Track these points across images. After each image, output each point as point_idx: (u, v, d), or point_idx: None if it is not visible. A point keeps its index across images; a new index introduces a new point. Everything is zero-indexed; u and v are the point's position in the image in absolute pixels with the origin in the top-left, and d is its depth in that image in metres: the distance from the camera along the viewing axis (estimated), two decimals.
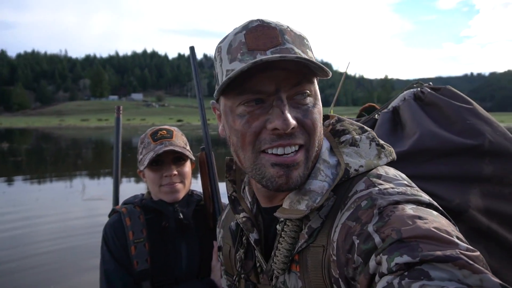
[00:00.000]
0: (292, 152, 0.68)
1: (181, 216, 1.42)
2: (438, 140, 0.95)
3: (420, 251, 0.50)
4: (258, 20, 0.70)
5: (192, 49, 1.54)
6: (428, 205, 0.62)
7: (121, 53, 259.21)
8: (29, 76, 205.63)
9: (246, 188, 0.88)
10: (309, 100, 0.68)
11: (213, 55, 0.77)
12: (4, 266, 4.41)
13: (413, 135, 0.99)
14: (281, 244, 0.72)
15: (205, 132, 1.55)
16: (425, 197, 0.63)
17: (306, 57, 0.64)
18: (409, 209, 0.58)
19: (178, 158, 1.44)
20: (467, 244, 0.53)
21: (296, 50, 0.66)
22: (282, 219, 0.73)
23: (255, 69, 0.63)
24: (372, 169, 0.69)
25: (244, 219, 0.81)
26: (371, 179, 0.66)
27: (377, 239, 0.56)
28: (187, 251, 1.43)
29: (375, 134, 0.76)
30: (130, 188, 9.40)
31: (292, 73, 0.65)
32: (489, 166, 0.93)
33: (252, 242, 0.79)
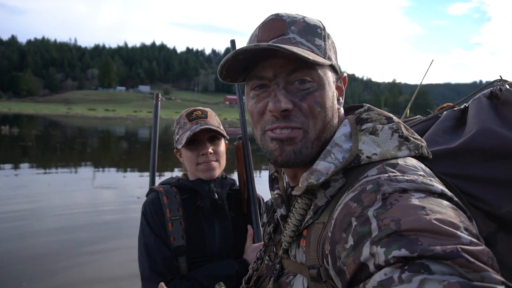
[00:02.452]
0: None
1: (216, 196, 1.49)
2: (496, 139, 0.84)
3: (419, 245, 0.49)
4: (274, 14, 0.77)
5: (232, 42, 1.53)
6: (440, 195, 0.60)
7: (129, 45, 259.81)
8: (38, 63, 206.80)
9: None
10: (309, 85, 0.71)
11: None
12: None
13: (469, 132, 0.90)
14: (291, 219, 0.77)
15: (243, 122, 1.59)
16: (437, 187, 0.61)
17: (296, 49, 0.67)
18: (415, 198, 0.57)
19: (213, 137, 1.51)
20: (472, 236, 0.51)
21: (299, 39, 0.71)
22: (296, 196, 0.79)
23: (259, 56, 0.73)
24: (389, 158, 0.69)
25: (276, 195, 0.86)
26: (385, 166, 0.66)
27: (374, 224, 0.55)
28: (220, 230, 1.49)
29: (402, 125, 0.74)
30: (135, 180, 9.70)
31: (290, 61, 0.70)
32: None
33: (278, 216, 0.84)
